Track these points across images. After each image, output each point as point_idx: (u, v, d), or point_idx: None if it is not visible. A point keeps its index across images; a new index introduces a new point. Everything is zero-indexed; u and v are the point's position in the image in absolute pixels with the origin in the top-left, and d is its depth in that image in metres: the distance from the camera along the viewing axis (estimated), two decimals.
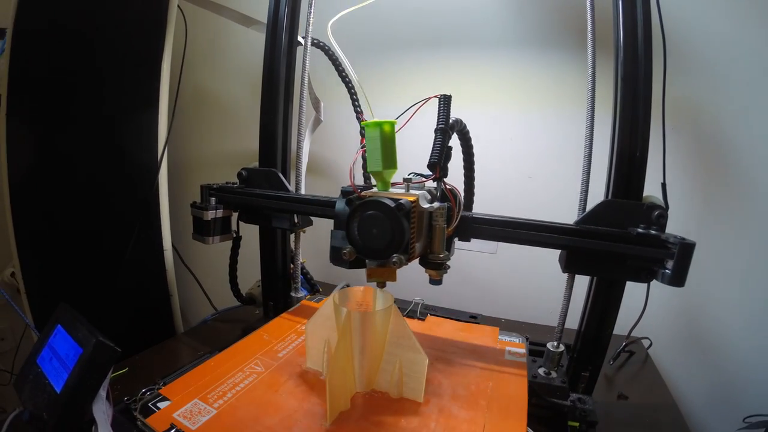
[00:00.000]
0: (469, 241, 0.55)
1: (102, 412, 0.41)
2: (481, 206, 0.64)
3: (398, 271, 0.49)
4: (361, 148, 0.50)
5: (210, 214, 0.69)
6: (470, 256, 0.97)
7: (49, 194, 0.88)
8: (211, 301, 1.05)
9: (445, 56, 0.94)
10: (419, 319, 0.69)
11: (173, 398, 0.45)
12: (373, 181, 0.49)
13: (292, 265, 0.75)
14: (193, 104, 1.29)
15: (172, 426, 0.41)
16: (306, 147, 0.83)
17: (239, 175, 0.70)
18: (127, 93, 0.93)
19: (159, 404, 0.44)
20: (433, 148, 0.48)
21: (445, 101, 0.49)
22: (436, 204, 0.47)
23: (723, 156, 0.78)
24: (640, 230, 0.47)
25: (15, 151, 0.86)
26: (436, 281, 0.49)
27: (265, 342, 0.59)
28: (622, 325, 0.54)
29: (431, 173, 0.49)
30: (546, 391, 0.53)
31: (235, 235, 0.75)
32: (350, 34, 1.00)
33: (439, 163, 0.48)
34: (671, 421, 0.60)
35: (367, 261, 0.44)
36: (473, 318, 0.72)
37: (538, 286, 0.92)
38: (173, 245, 1.09)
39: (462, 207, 0.53)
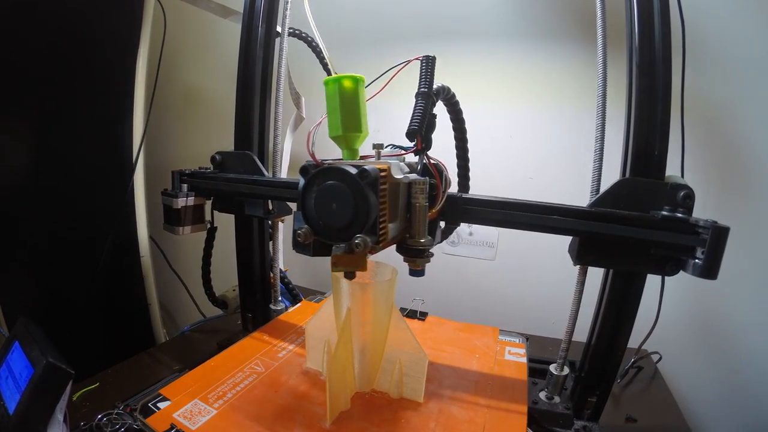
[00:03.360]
0: (457, 224, 0.50)
1: None
2: None
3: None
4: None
5: (180, 202, 0.65)
6: (467, 263, 0.97)
7: (20, 200, 0.82)
8: (199, 308, 1.02)
9: (441, 49, 0.93)
10: (419, 319, 0.70)
11: (173, 398, 0.46)
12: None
13: (272, 275, 0.73)
14: (179, 102, 1.27)
15: (172, 426, 0.42)
16: (288, 146, 0.82)
17: (213, 159, 0.66)
18: (99, 89, 0.89)
19: (159, 404, 0.46)
20: (413, 114, 0.42)
21: (427, 63, 0.44)
22: (412, 176, 0.41)
23: (738, 154, 0.76)
24: (664, 213, 0.42)
25: None
26: (417, 272, 0.43)
27: (265, 342, 0.60)
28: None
29: (412, 145, 0.44)
30: (548, 419, 0.50)
31: (209, 226, 0.72)
32: (344, 28, 1.00)
33: (419, 131, 0.42)
34: None
35: (333, 247, 0.39)
36: None
37: (541, 296, 0.91)
38: (161, 249, 1.09)
39: (449, 185, 0.48)
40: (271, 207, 0.66)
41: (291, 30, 0.69)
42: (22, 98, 0.80)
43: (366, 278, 0.53)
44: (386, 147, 0.45)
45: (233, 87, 0.68)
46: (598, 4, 0.50)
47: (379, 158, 0.42)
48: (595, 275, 0.52)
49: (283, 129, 0.70)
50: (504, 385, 0.53)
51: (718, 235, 0.38)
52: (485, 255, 0.95)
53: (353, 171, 0.35)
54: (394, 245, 0.43)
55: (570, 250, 0.50)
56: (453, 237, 0.96)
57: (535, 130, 0.89)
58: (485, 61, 0.91)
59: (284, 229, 0.77)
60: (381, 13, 0.97)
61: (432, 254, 0.43)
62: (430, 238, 0.42)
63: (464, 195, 0.48)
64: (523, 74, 0.88)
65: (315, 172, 0.37)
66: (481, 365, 0.57)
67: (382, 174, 0.37)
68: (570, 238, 0.50)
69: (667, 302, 0.70)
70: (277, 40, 0.69)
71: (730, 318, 0.80)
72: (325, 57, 0.76)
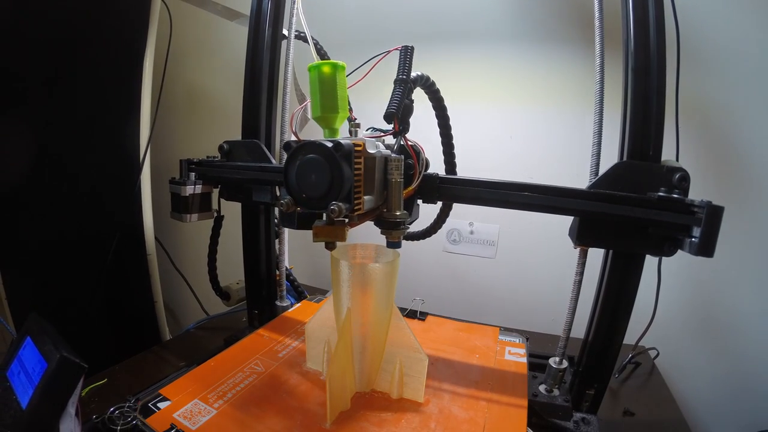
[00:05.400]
0: (434, 203, 0.52)
1: (70, 430, 0.40)
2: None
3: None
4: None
5: (188, 190, 0.66)
6: (467, 261, 0.96)
7: (28, 198, 0.83)
8: (203, 306, 1.03)
9: (442, 51, 0.93)
10: (419, 319, 0.70)
11: (173, 398, 0.46)
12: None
13: (277, 272, 0.73)
14: (184, 103, 1.27)
15: (172, 426, 0.42)
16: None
17: (220, 148, 0.67)
18: (106, 91, 0.90)
19: (159, 404, 0.45)
20: (390, 99, 0.46)
21: (405, 52, 0.47)
22: (384, 150, 0.45)
23: (734, 152, 0.76)
24: (661, 194, 0.43)
25: None
26: (394, 243, 0.46)
27: (265, 342, 0.60)
28: (626, 335, 0.52)
29: (390, 128, 0.47)
30: (547, 411, 0.51)
31: (216, 215, 0.72)
32: (345, 29, 1.00)
33: (396, 114, 0.45)
34: None
35: (316, 221, 0.42)
36: None
37: (541, 293, 0.91)
38: (165, 249, 1.09)
39: (427, 166, 0.51)
40: (279, 193, 0.66)
41: (297, 33, 0.69)
42: (30, 98, 0.81)
43: (368, 261, 0.53)
44: (366, 130, 0.49)
45: (239, 88, 0.68)
46: (596, 8, 0.50)
47: (356, 136, 0.46)
48: (594, 271, 0.53)
49: (288, 130, 0.70)
50: (504, 385, 0.52)
51: (713, 213, 0.39)
52: (486, 253, 0.95)
53: (329, 145, 0.39)
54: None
55: (570, 233, 0.51)
56: (454, 235, 0.96)
57: (535, 130, 0.89)
58: (486, 62, 0.90)
59: (289, 230, 0.77)
60: (382, 15, 0.97)
61: (408, 226, 0.47)
62: (405, 212, 0.46)
63: (441, 174, 0.50)
64: (523, 76, 0.88)
65: (296, 146, 0.40)
66: (481, 365, 0.57)
67: (357, 148, 0.40)
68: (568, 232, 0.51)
69: (665, 300, 0.70)
70: (284, 42, 0.69)
71: (727, 316, 0.80)
72: (330, 59, 0.76)
